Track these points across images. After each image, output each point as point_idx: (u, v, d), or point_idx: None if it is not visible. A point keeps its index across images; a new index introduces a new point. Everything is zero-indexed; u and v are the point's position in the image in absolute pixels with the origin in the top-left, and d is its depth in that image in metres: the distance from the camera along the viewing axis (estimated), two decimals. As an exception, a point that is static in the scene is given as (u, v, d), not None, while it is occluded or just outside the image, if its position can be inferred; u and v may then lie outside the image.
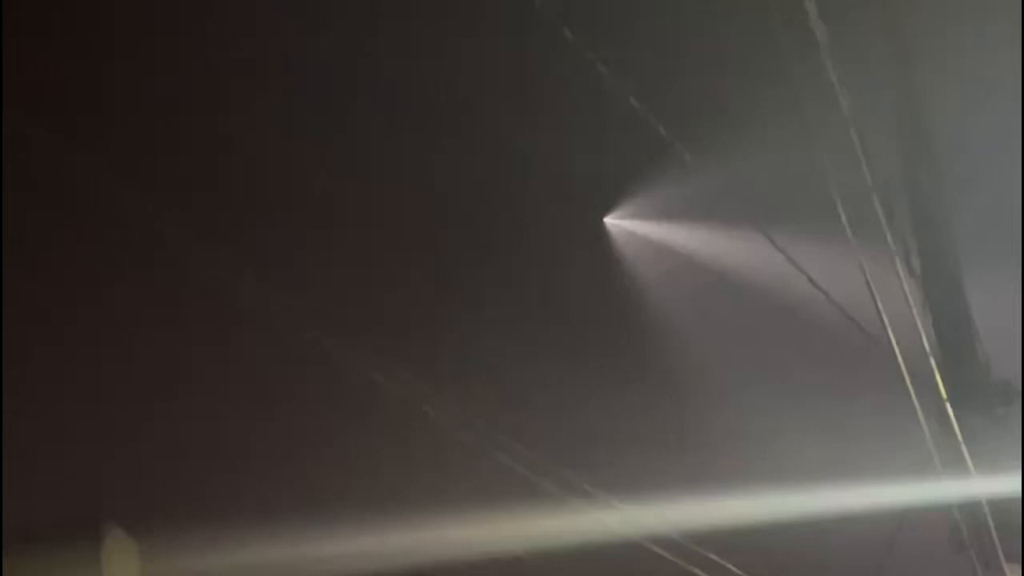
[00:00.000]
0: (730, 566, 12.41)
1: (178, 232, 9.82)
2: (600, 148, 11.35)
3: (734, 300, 13.18)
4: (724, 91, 11.51)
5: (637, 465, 12.87)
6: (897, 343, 10.02)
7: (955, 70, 11.12)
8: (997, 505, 10.72)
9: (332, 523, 11.56)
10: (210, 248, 10.28)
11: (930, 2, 11.07)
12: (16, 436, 11.09)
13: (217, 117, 10.63)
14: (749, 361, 13.47)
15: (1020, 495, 10.51)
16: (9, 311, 10.91)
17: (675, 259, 12.80)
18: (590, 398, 12.77)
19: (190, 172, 11.09)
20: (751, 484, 12.51)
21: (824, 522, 12.00)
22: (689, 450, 13.28)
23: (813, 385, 13.28)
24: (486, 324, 12.40)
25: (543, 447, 11.92)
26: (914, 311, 10.15)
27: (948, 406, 10.49)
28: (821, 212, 10.29)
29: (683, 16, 10.84)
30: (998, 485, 10.68)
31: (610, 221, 12.43)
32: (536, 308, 13.05)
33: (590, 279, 13.07)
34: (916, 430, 10.59)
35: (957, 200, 11.04)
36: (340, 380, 11.47)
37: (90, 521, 9.95)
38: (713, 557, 12.34)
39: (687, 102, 11.09)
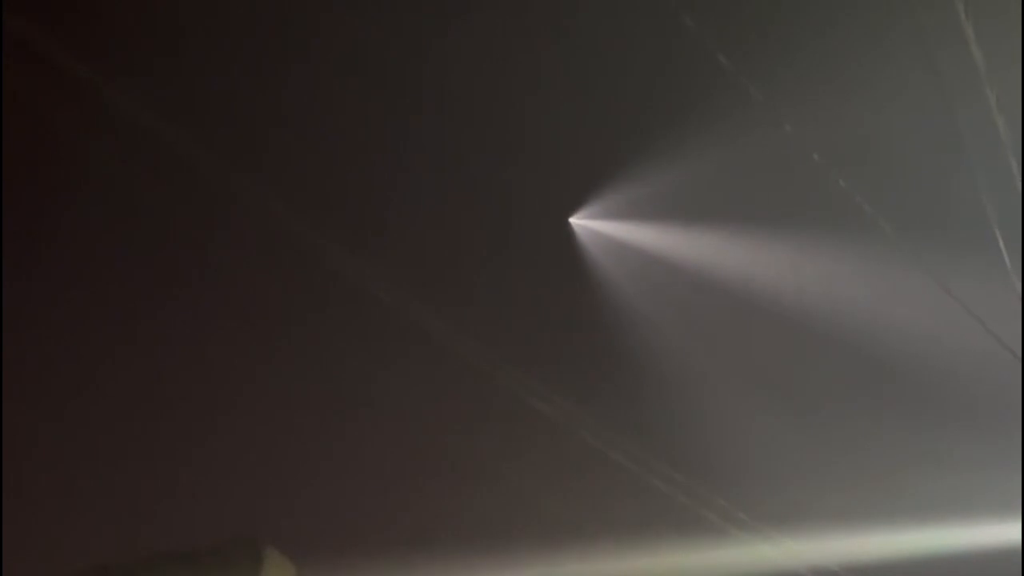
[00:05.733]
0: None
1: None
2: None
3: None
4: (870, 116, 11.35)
5: (793, 496, 12.72)
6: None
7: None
8: None
9: (488, 550, 11.65)
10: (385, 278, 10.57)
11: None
12: (178, 460, 11.39)
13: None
14: (899, 395, 13.18)
15: None
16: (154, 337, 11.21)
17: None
18: (749, 428, 12.66)
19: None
20: (910, 517, 12.30)
21: (988, 556, 11.76)
22: (844, 482, 13.06)
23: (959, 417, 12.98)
24: (633, 351, 12.38)
25: (703, 477, 11.90)
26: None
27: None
28: (972, 234, 10.21)
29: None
30: None
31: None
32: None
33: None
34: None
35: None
36: (497, 405, 11.56)
37: (250, 543, 10.22)
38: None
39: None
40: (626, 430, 11.90)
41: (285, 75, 10.28)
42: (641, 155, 11.01)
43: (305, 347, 11.33)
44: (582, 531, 12.28)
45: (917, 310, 11.38)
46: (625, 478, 11.81)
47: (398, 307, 10.95)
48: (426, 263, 11.30)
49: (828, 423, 12.39)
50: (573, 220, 11.53)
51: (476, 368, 11.27)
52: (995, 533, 12.00)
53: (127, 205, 10.49)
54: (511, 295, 11.67)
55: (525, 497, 12.09)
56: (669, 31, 9.86)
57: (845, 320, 11.92)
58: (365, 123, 10.55)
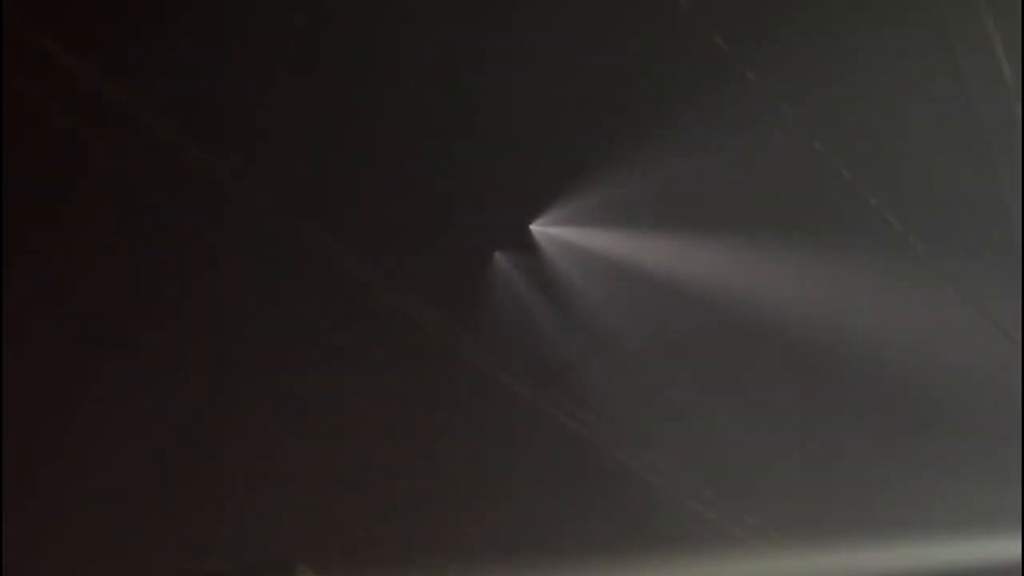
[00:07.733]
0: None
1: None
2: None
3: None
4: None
5: (800, 510, 12.76)
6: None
7: None
8: None
9: (520, 566, 11.65)
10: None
11: None
12: (209, 477, 11.35)
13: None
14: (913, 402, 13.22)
15: None
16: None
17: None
18: (772, 443, 12.70)
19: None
20: (916, 532, 12.35)
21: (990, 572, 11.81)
22: (851, 496, 13.10)
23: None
24: (671, 366, 12.42)
25: (730, 491, 11.93)
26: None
27: None
28: (1001, 251, 10.32)
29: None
30: None
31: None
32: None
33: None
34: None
35: None
36: (524, 420, 11.59)
37: (284, 562, 10.18)
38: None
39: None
40: (643, 444, 11.96)
41: (280, 74, 10.28)
42: (653, 165, 11.06)
43: (314, 358, 11.29)
44: (603, 545, 12.30)
45: (938, 324, 11.45)
46: (654, 495, 11.86)
47: (404, 313, 10.96)
48: (424, 264, 11.31)
49: (835, 439, 12.43)
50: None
51: (499, 383, 11.32)
52: (996, 549, 12.04)
53: (128, 206, 10.47)
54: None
55: (551, 512, 12.12)
56: (697, 48, 9.89)
57: (858, 334, 11.99)
58: (353, 119, 10.56)
